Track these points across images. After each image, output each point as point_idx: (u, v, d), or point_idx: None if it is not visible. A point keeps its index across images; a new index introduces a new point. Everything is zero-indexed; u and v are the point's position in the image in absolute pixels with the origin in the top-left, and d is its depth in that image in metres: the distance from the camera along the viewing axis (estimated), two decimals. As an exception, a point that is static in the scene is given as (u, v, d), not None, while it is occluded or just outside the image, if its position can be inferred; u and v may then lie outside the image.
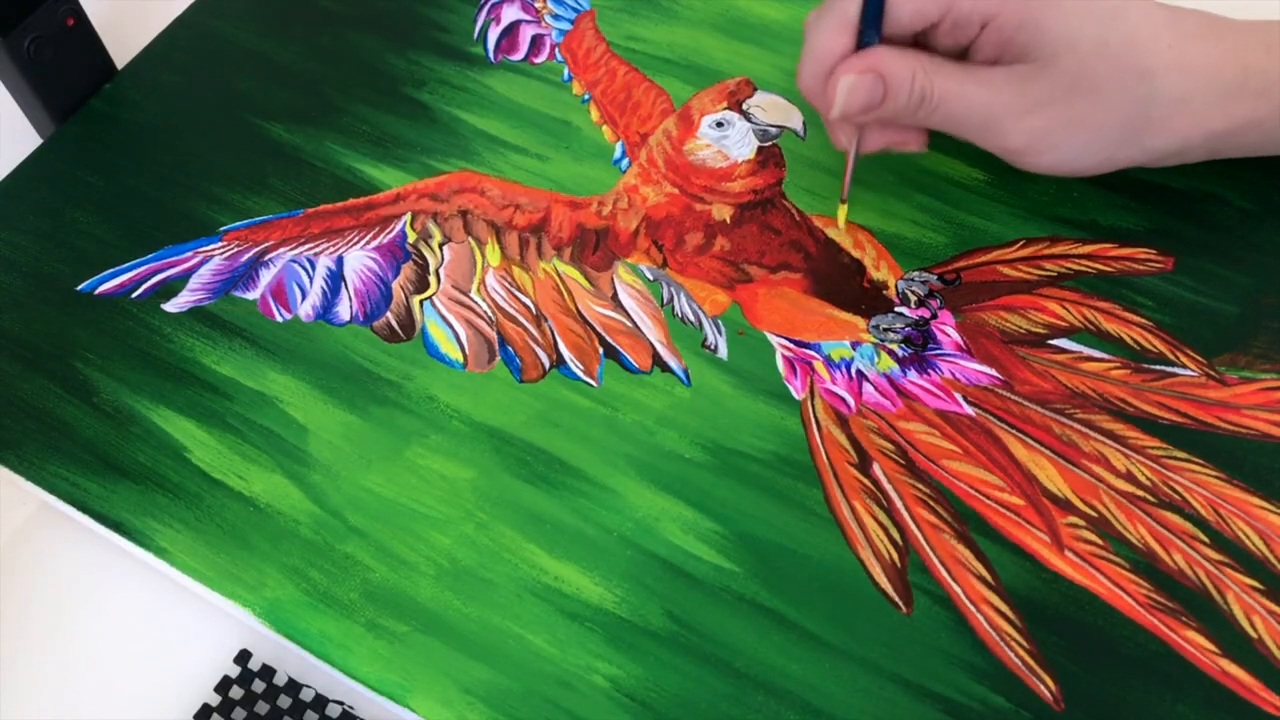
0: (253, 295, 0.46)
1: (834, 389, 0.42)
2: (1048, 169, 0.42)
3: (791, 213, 0.46)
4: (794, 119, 0.48)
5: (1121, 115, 0.40)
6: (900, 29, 0.41)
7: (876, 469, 0.40)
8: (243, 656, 0.39)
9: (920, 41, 0.42)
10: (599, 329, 0.44)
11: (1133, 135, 0.41)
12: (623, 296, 0.45)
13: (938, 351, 0.42)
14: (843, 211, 0.46)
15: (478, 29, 0.54)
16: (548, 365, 0.43)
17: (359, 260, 0.46)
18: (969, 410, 0.41)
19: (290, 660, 0.39)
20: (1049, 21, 0.39)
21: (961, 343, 0.42)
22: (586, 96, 0.51)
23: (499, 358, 0.43)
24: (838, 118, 0.41)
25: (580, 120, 0.50)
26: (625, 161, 0.49)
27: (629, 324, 0.44)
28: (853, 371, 0.42)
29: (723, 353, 0.43)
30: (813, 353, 0.43)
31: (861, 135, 0.43)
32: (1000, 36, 0.40)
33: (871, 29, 0.40)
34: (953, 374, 0.42)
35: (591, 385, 0.43)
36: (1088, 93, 0.40)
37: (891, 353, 0.42)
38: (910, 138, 0.44)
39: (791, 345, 0.43)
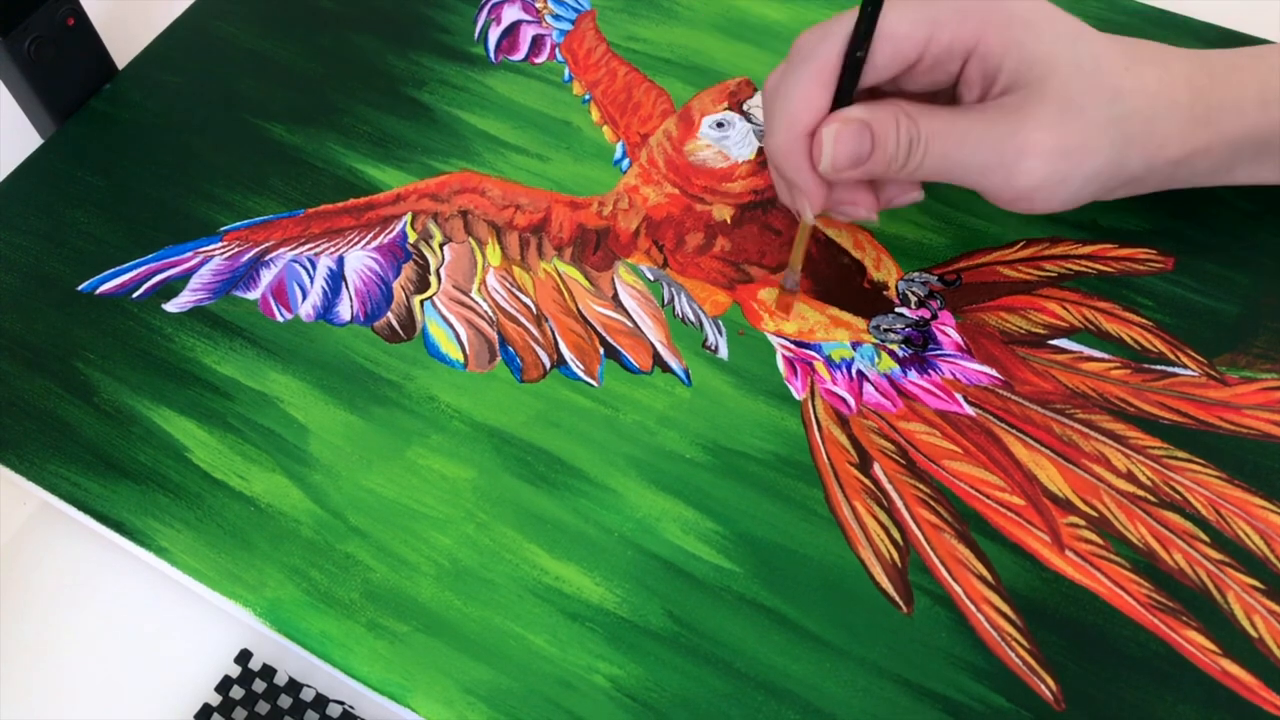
0: (253, 295, 0.46)
1: (834, 389, 0.42)
2: (1054, 206, 0.39)
3: (792, 213, 0.46)
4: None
5: (1108, 137, 0.39)
6: (876, 75, 0.38)
7: (877, 469, 0.40)
8: (243, 656, 0.39)
9: (887, 91, 0.40)
10: (600, 329, 0.44)
11: (1119, 158, 0.39)
12: (623, 297, 0.45)
13: (938, 352, 0.42)
14: (792, 301, 0.43)
15: (478, 29, 0.54)
16: (548, 365, 0.43)
17: (360, 260, 0.46)
18: (969, 410, 0.41)
19: (291, 660, 0.39)
20: (1032, 42, 0.38)
21: (962, 343, 0.43)
22: (587, 97, 0.51)
23: (500, 358, 0.43)
24: (826, 169, 0.38)
25: (581, 120, 0.50)
26: (626, 162, 0.49)
27: (629, 324, 0.44)
28: (853, 372, 0.42)
29: (723, 353, 0.43)
30: (813, 353, 0.43)
31: (831, 201, 0.41)
32: (985, 66, 0.38)
33: (847, 92, 0.38)
34: (953, 374, 0.42)
35: (592, 385, 0.43)
36: (1076, 116, 0.38)
37: (892, 353, 0.42)
38: (863, 199, 0.40)
39: (792, 345, 0.43)
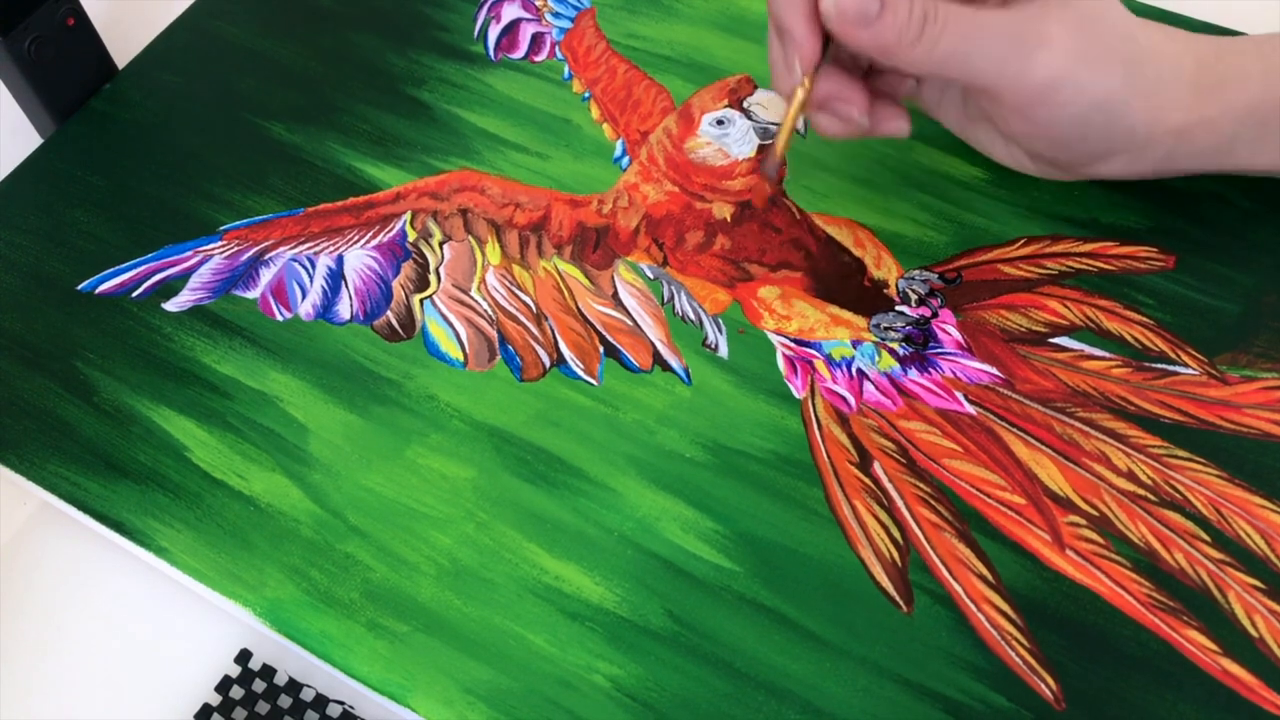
0: (253, 294, 0.46)
1: (835, 388, 0.42)
2: (1064, 119, 0.39)
3: (792, 211, 0.46)
4: (794, 117, 0.48)
5: (1121, 68, 0.38)
6: None
7: (877, 468, 0.40)
8: (243, 656, 0.39)
9: None
10: (599, 328, 0.44)
11: (1125, 96, 0.39)
12: (623, 295, 0.45)
13: (939, 350, 0.42)
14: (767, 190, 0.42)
15: (478, 27, 0.54)
16: (548, 364, 0.43)
17: (359, 259, 0.46)
18: (970, 409, 0.41)
19: (291, 660, 0.39)
20: None
21: (962, 341, 0.42)
22: (587, 94, 0.51)
23: (499, 356, 0.43)
24: (832, 17, 0.36)
25: (580, 118, 0.50)
26: (626, 160, 0.49)
27: (629, 323, 0.44)
28: (853, 370, 0.42)
29: (723, 351, 0.43)
30: (813, 351, 0.43)
31: (820, 98, 0.39)
32: None
33: None
34: (954, 373, 0.42)
35: (592, 384, 0.43)
36: (1098, 35, 0.38)
37: (892, 351, 0.42)
38: (857, 96, 0.39)
39: (792, 344, 0.43)
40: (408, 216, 0.47)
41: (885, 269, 0.45)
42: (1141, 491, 0.39)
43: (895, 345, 0.43)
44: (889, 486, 0.39)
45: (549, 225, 0.47)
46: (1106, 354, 0.42)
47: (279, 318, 0.45)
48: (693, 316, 0.44)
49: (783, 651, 0.37)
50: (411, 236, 0.47)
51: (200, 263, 0.47)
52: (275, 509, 0.40)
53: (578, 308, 0.44)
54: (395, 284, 0.46)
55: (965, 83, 0.39)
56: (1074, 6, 0.38)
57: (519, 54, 0.53)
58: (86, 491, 0.41)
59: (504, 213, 0.47)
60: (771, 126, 0.48)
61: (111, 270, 0.47)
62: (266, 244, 0.47)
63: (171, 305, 0.46)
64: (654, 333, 0.44)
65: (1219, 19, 0.50)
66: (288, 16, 0.55)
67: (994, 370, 0.42)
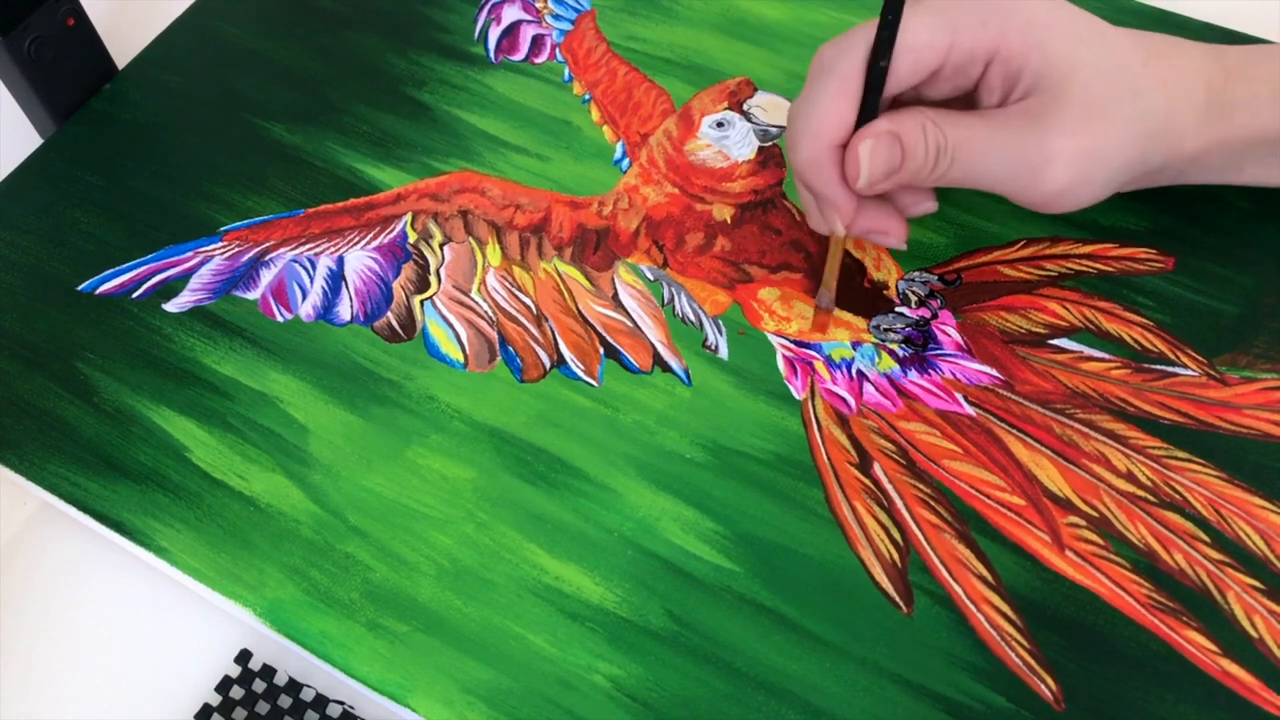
0: (253, 295, 0.46)
1: (834, 389, 0.42)
2: (1080, 205, 0.39)
3: (792, 213, 0.46)
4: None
5: (1130, 134, 0.39)
6: (898, 85, 0.38)
7: (877, 469, 0.40)
8: (243, 656, 0.39)
9: (906, 99, 0.40)
10: (600, 329, 0.44)
11: (1141, 155, 0.39)
12: (623, 296, 0.45)
13: (938, 351, 0.42)
14: (828, 319, 0.43)
15: (478, 29, 0.54)
16: (548, 365, 0.43)
17: (360, 260, 0.46)
18: (970, 410, 0.41)
19: (291, 660, 0.39)
20: (1053, 44, 0.38)
21: (962, 343, 0.43)
22: (587, 97, 0.51)
23: (500, 358, 0.43)
24: (864, 185, 0.39)
25: (581, 120, 0.50)
26: (626, 161, 0.49)
27: (630, 324, 0.44)
28: (853, 371, 0.42)
29: (723, 353, 0.43)
30: (813, 353, 0.43)
31: (859, 229, 0.41)
32: (1008, 70, 0.38)
33: (872, 104, 0.38)
34: (953, 374, 0.42)
35: (592, 385, 0.43)
36: (1100, 116, 0.38)
37: (892, 353, 0.42)
38: (894, 226, 0.41)
39: (792, 345, 0.43)
40: (408, 218, 0.47)
41: (885, 270, 0.45)
42: (1141, 492, 0.39)
43: (895, 346, 0.43)
44: (889, 487, 0.40)
45: (549, 227, 0.47)
46: (1106, 355, 0.42)
47: (279, 318, 0.45)
48: (693, 318, 0.44)
49: (783, 652, 0.37)
50: (412, 238, 0.47)
51: (201, 263, 0.47)
52: (275, 509, 0.40)
53: (578, 309, 0.45)
54: (396, 285, 0.46)
55: (984, 190, 0.40)
56: (1076, 101, 0.38)
57: (519, 56, 0.53)
58: (86, 491, 0.41)
59: (504, 214, 0.47)
60: (771, 129, 0.48)
61: (112, 271, 0.47)
62: (267, 245, 0.47)
63: (172, 306, 0.46)
64: (654, 334, 0.44)
65: (1219, 19, 0.50)
66: (288, 16, 0.55)
67: (994, 372, 0.42)
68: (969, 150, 0.38)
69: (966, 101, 0.40)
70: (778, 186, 0.47)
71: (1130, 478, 0.39)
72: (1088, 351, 0.42)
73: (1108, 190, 0.40)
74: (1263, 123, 0.40)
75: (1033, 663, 0.36)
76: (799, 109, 0.39)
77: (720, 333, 0.44)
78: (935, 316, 0.43)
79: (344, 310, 0.45)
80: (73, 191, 0.50)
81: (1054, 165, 0.38)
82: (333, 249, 0.47)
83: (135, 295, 0.46)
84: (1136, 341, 0.42)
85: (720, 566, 0.38)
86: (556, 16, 0.54)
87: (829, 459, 0.40)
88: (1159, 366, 0.41)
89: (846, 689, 0.36)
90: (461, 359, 0.44)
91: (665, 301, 0.44)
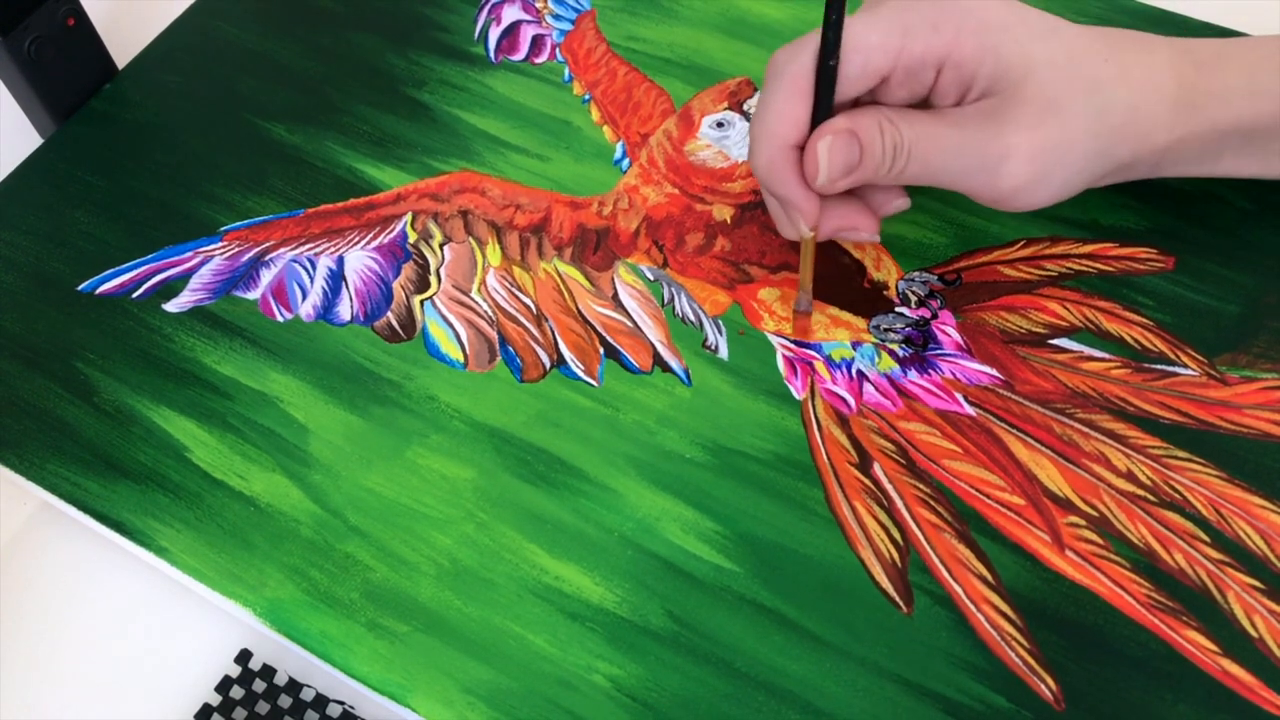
0: (253, 295, 0.46)
1: (834, 389, 0.42)
2: (1040, 204, 0.40)
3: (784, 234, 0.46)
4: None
5: (1089, 130, 0.39)
6: (850, 87, 0.38)
7: (877, 469, 0.40)
8: (243, 656, 0.39)
9: (864, 103, 0.40)
10: (599, 329, 0.44)
11: (1104, 149, 0.39)
12: (623, 296, 0.45)
13: (938, 351, 0.42)
14: (808, 322, 0.43)
15: (478, 29, 0.54)
16: (548, 365, 0.43)
17: (360, 260, 0.46)
18: (970, 410, 0.41)
19: (291, 660, 0.39)
20: (1007, 47, 0.38)
21: (962, 343, 0.43)
22: (587, 97, 0.51)
23: (500, 357, 0.43)
24: (823, 183, 0.39)
25: (581, 120, 0.50)
26: (626, 162, 0.49)
27: (629, 324, 0.44)
28: (853, 371, 0.42)
29: (723, 353, 0.43)
30: (813, 353, 0.43)
31: (830, 228, 0.41)
32: (961, 75, 0.38)
33: (824, 105, 0.38)
34: (953, 374, 0.42)
35: (592, 385, 0.43)
36: (1056, 114, 0.38)
37: (892, 353, 0.42)
38: (863, 220, 0.41)
39: (792, 345, 0.43)
40: (408, 218, 0.47)
41: (885, 270, 0.45)
42: (1141, 492, 0.39)
43: (895, 346, 0.43)
44: (889, 487, 0.40)
45: (549, 227, 0.47)
46: (1106, 355, 0.42)
47: (279, 318, 0.45)
48: (693, 318, 0.44)
49: (783, 652, 0.37)
50: (412, 238, 0.47)
51: (201, 263, 0.47)
52: (275, 509, 0.40)
53: (578, 309, 0.45)
54: (396, 285, 0.46)
55: (943, 187, 0.40)
56: (1032, 99, 0.38)
57: (519, 56, 0.53)
58: (86, 491, 0.41)
59: (504, 214, 0.47)
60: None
61: (112, 271, 0.47)
62: (267, 245, 0.47)
63: (172, 306, 0.46)
64: (654, 334, 0.44)
65: (1219, 19, 0.50)
66: (288, 16, 0.55)
67: (993, 371, 0.42)
68: (926, 147, 0.38)
69: (923, 107, 0.41)
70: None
71: (1130, 477, 0.39)
72: (1088, 351, 0.42)
73: (1070, 187, 0.40)
74: (1236, 113, 0.39)
75: (1033, 663, 0.36)
76: (755, 113, 0.40)
77: (720, 333, 0.44)
78: (935, 316, 0.43)
79: (344, 310, 0.45)
80: (73, 191, 0.50)
81: (1010, 161, 0.38)
82: (333, 249, 0.47)
83: (135, 295, 0.46)
84: (1136, 341, 0.42)
85: (720, 566, 0.38)
86: (556, 16, 0.54)
87: (829, 459, 0.40)
88: (1159, 366, 0.41)
89: (846, 689, 0.36)
90: (461, 359, 0.44)
91: (665, 301, 0.45)
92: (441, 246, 0.46)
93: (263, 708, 0.38)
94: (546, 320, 0.44)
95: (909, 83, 0.39)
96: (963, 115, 0.39)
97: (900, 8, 0.38)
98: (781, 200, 0.40)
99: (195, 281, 0.46)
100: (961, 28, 0.38)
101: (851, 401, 0.42)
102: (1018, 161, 0.38)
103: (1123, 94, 0.39)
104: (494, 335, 0.44)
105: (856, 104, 0.40)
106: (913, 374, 0.42)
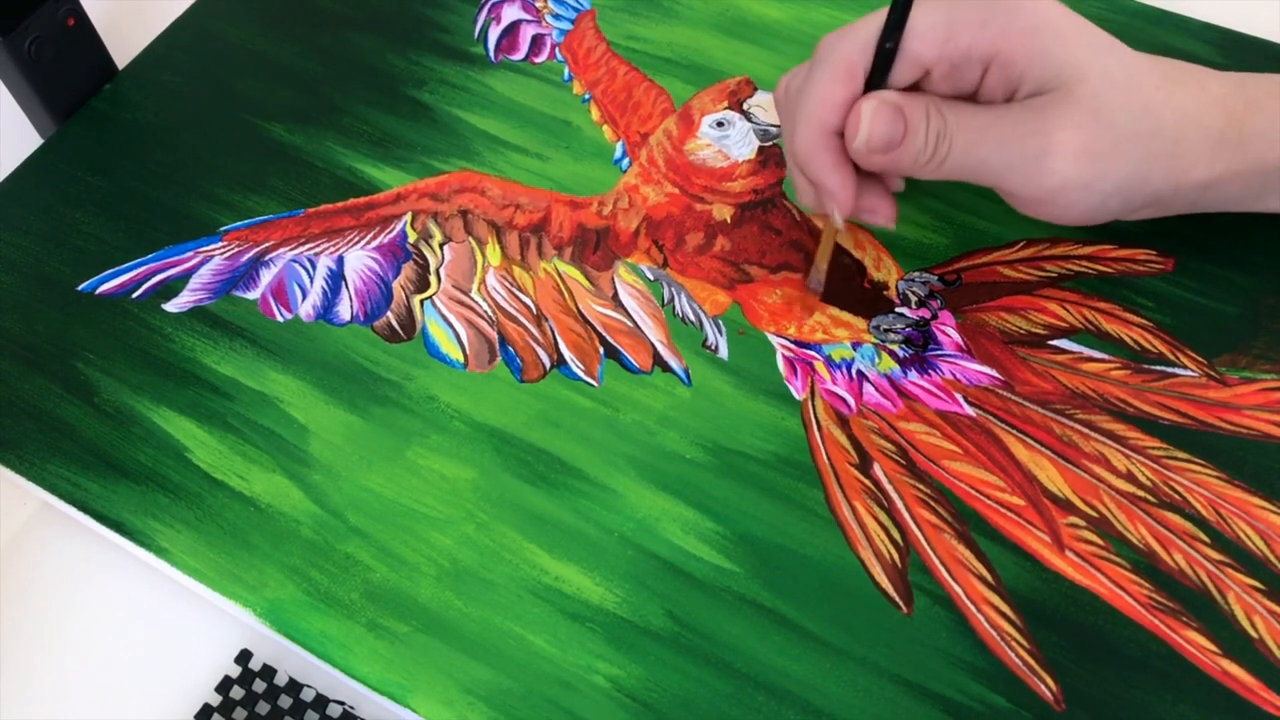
0: (253, 295, 0.46)
1: (834, 389, 0.42)
2: (1077, 211, 0.39)
3: (792, 213, 0.46)
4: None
5: (1135, 149, 0.38)
6: (891, 81, 0.38)
7: (877, 469, 0.40)
8: (244, 656, 0.39)
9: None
10: (599, 329, 0.44)
11: (1144, 174, 0.38)
12: (623, 296, 0.45)
13: (938, 352, 0.42)
14: (816, 301, 0.43)
15: (478, 29, 0.54)
16: (548, 365, 0.43)
17: (359, 260, 0.46)
18: (969, 411, 0.41)
19: (291, 660, 0.39)
20: (1059, 50, 0.37)
21: (962, 343, 0.43)
22: (587, 96, 0.51)
23: (500, 358, 0.43)
24: (860, 148, 0.38)
25: (581, 120, 0.50)
26: (626, 161, 0.49)
27: (629, 324, 0.44)
28: (853, 372, 0.42)
29: (723, 353, 0.43)
30: (813, 353, 0.43)
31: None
32: (1008, 74, 0.38)
33: (881, 73, 0.38)
34: (953, 374, 0.42)
35: (592, 385, 0.43)
36: (1108, 125, 0.37)
37: (892, 353, 0.42)
38: (883, 206, 0.41)
39: (792, 345, 0.43)
40: (408, 218, 0.47)
41: (885, 271, 0.45)
42: (1141, 493, 0.39)
43: (895, 347, 0.43)
44: (889, 488, 0.40)
45: (549, 227, 0.47)
46: (1106, 356, 0.42)
47: (279, 318, 0.45)
48: (693, 318, 0.44)
49: (783, 652, 0.37)
50: (412, 238, 0.47)
51: (200, 263, 0.47)
52: (275, 509, 0.40)
53: (578, 309, 0.45)
54: (395, 285, 0.46)
55: (981, 183, 0.40)
56: (1083, 102, 0.37)
57: (519, 55, 0.53)
58: (87, 492, 0.41)
59: (504, 214, 0.47)
60: (772, 128, 0.48)
61: (112, 271, 0.47)
62: (267, 245, 0.47)
63: (172, 306, 0.46)
64: (654, 334, 0.44)
65: (1219, 19, 0.50)
66: (288, 16, 0.55)
67: (993, 372, 0.42)
68: (969, 136, 0.38)
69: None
70: (778, 186, 0.47)
71: (1130, 478, 0.39)
72: (1088, 352, 0.42)
73: (1108, 205, 0.39)
74: None
75: (1033, 663, 0.36)
76: (796, 93, 0.39)
77: (720, 333, 0.44)
78: (935, 317, 0.43)
79: (344, 310, 0.45)
80: (73, 191, 0.50)
81: (1053, 158, 0.37)
82: (333, 249, 0.47)
83: (135, 295, 0.46)
84: (1136, 342, 0.42)
85: (720, 567, 0.38)
86: (556, 16, 0.54)
87: (829, 459, 0.40)
88: (1159, 367, 0.41)
89: (846, 689, 0.36)
90: (461, 359, 0.44)
91: (665, 301, 0.45)
92: (441, 246, 0.46)
93: (263, 708, 0.38)
94: (546, 320, 0.44)
95: (953, 77, 0.39)
96: (1009, 109, 0.38)
97: (950, 2, 0.38)
98: (817, 186, 0.40)
99: (195, 281, 0.46)
100: (1010, 27, 0.37)
101: (851, 402, 0.42)
102: (1061, 158, 0.37)
103: (1170, 123, 0.38)
104: (494, 335, 0.44)
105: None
106: (913, 374, 0.42)
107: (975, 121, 0.38)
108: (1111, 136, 0.37)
